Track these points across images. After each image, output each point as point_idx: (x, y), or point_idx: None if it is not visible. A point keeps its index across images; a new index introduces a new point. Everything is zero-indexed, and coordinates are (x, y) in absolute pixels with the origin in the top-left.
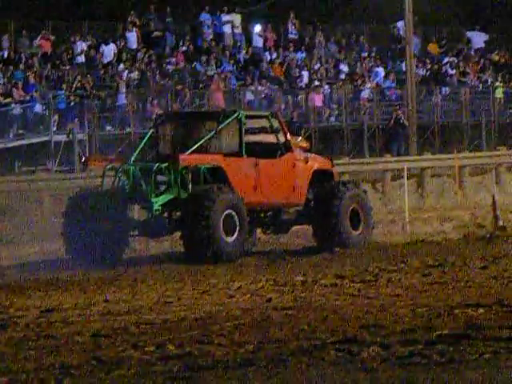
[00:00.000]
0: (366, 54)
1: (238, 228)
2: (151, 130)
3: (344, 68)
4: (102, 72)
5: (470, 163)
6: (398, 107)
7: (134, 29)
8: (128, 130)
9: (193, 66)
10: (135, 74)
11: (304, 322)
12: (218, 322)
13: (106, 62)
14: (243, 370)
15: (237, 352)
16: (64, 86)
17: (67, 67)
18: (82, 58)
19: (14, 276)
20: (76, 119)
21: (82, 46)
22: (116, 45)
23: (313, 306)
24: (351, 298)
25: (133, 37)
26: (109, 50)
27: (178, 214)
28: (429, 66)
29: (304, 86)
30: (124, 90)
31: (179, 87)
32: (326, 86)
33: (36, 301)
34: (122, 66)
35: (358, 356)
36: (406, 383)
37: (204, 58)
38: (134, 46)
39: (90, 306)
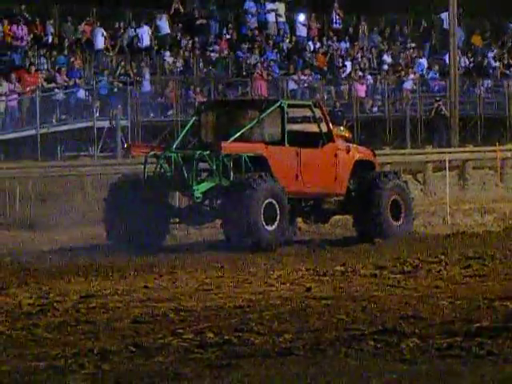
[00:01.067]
0: (410, 45)
1: (278, 217)
2: (194, 118)
3: (387, 59)
4: (145, 58)
5: None
6: (438, 98)
7: (164, 15)
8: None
9: (236, 54)
10: (179, 61)
11: (343, 312)
12: (257, 311)
13: (143, 46)
14: (282, 358)
15: (275, 341)
16: (106, 71)
17: (111, 53)
18: (101, 44)
19: (55, 261)
20: (119, 105)
21: (101, 31)
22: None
23: (352, 296)
24: (390, 289)
25: (163, 23)
26: (143, 33)
27: (219, 201)
28: (472, 58)
29: (347, 76)
30: (148, 77)
31: (220, 86)
32: (369, 77)
33: (76, 286)
34: (167, 53)
35: (397, 347)
36: (445, 375)
37: (247, 47)
38: (167, 31)
39: (130, 293)
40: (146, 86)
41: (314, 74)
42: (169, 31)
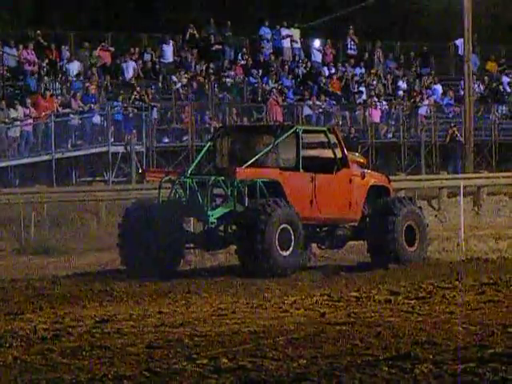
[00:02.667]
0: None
1: (293, 242)
2: (209, 143)
3: (402, 85)
4: (160, 84)
5: None
6: (453, 124)
7: (171, 42)
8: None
9: (251, 79)
10: (191, 86)
11: (357, 337)
12: (271, 336)
13: (127, 78)
14: None
15: (290, 366)
16: (121, 97)
17: (126, 79)
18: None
19: (70, 286)
20: (134, 131)
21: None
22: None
23: (366, 322)
24: (405, 315)
25: (169, 50)
26: (128, 67)
27: (234, 227)
28: (487, 84)
29: (362, 102)
30: (158, 103)
31: (231, 118)
32: (384, 103)
33: (90, 311)
34: (175, 78)
35: (411, 373)
36: None
37: (262, 72)
38: (170, 59)
39: (145, 318)
40: (154, 113)
41: (328, 99)
42: (171, 59)
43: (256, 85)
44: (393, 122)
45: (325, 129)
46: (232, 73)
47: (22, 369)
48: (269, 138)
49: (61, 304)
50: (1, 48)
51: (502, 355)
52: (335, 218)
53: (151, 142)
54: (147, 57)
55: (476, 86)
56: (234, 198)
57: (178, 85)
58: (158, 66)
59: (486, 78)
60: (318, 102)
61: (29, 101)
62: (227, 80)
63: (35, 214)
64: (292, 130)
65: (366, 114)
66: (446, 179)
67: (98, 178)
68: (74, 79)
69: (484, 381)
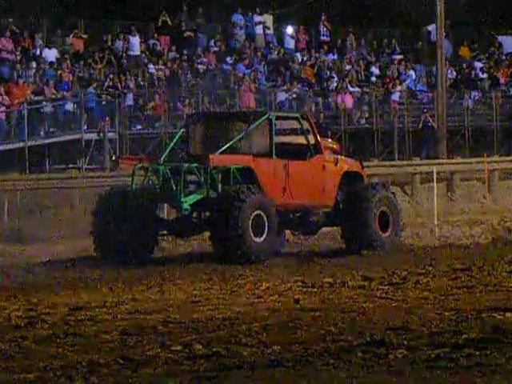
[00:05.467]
0: (397, 57)
1: (266, 229)
2: (182, 130)
3: (375, 70)
4: (133, 71)
5: (500, 167)
6: (426, 110)
7: (137, 34)
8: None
9: (224, 66)
10: (164, 73)
11: (331, 323)
12: (245, 323)
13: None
14: (270, 370)
15: (264, 352)
16: (94, 84)
17: (99, 66)
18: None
19: (43, 273)
20: (107, 118)
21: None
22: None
23: (340, 308)
24: (379, 301)
25: (135, 41)
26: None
27: (207, 213)
28: (459, 70)
29: (334, 88)
30: (131, 90)
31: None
32: (357, 89)
33: (64, 299)
34: (151, 66)
35: (385, 358)
36: None
37: (235, 59)
38: (137, 52)
39: (119, 305)
40: (129, 100)
41: (301, 85)
42: (139, 53)
43: (229, 71)
44: (366, 108)
45: (298, 115)
46: (205, 59)
47: None
48: (242, 124)
49: (34, 291)
50: None
51: (476, 340)
52: (309, 204)
53: (124, 128)
54: (119, 44)
55: (449, 71)
56: (207, 185)
57: (155, 73)
58: (125, 60)
59: (459, 63)
60: (290, 88)
61: (2, 88)
62: (200, 67)
63: (8, 201)
64: (265, 117)
65: (339, 100)
66: (419, 165)
67: (71, 166)
68: (47, 67)
69: (458, 366)
